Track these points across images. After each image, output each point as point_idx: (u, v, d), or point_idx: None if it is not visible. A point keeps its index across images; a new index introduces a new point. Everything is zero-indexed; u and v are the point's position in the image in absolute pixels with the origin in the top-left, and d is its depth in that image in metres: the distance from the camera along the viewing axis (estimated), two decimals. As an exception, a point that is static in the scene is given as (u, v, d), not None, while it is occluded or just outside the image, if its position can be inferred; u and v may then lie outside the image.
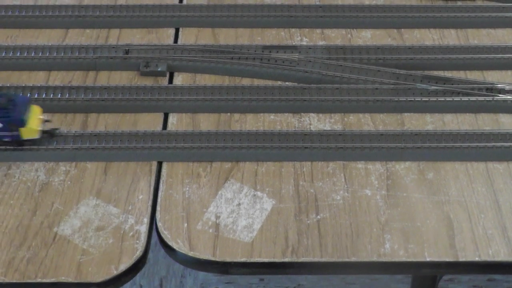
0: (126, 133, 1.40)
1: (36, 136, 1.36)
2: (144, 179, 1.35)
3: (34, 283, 1.20)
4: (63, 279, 1.20)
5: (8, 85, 1.49)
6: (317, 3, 1.72)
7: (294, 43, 1.62)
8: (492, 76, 1.55)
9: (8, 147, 1.37)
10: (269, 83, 1.53)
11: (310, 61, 1.55)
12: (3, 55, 1.56)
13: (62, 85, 1.49)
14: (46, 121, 1.38)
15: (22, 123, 1.33)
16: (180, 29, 1.66)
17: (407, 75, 1.52)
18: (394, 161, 1.38)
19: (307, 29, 1.66)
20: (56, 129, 1.40)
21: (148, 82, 1.53)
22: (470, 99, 1.48)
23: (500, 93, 1.49)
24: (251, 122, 1.45)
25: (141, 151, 1.38)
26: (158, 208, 1.31)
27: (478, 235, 1.27)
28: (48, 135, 1.38)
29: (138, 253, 1.24)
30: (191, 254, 1.24)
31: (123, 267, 1.22)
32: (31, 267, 1.22)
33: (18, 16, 1.66)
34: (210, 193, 1.33)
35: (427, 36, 1.65)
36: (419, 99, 1.47)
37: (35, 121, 1.35)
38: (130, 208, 1.30)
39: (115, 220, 1.28)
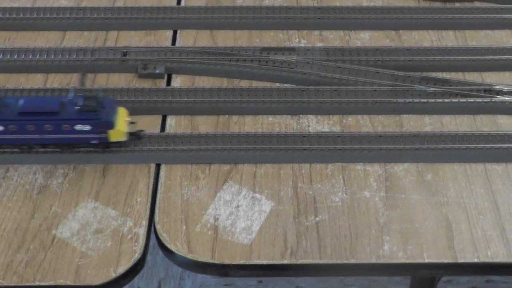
0: (125, 136, 1.40)
1: (123, 138, 1.35)
2: (143, 181, 1.35)
3: (33, 286, 1.20)
4: (61, 282, 1.20)
5: (6, 87, 1.49)
6: (315, 5, 1.72)
7: (292, 45, 1.62)
8: (490, 78, 1.55)
9: (93, 149, 1.36)
10: (268, 85, 1.53)
11: (308, 62, 1.55)
12: (0, 57, 1.55)
13: (60, 87, 1.49)
14: (131, 123, 1.38)
15: (111, 125, 1.33)
16: (178, 31, 1.66)
17: (405, 76, 1.52)
18: (393, 162, 1.38)
19: (305, 31, 1.66)
20: (142, 130, 1.39)
21: (146, 84, 1.53)
22: (469, 101, 1.48)
23: (498, 95, 1.49)
24: (249, 124, 1.45)
25: (139, 153, 1.38)
26: (156, 210, 1.30)
27: (477, 236, 1.27)
28: (135, 137, 1.38)
29: (137, 255, 1.24)
30: (189, 256, 1.24)
31: (121, 269, 1.22)
32: (30, 270, 1.21)
33: (16, 18, 1.65)
34: (209, 195, 1.33)
35: (425, 38, 1.65)
36: (418, 101, 1.47)
37: (122, 123, 1.35)
38: (128, 210, 1.30)
39: (113, 223, 1.28)
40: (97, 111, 1.32)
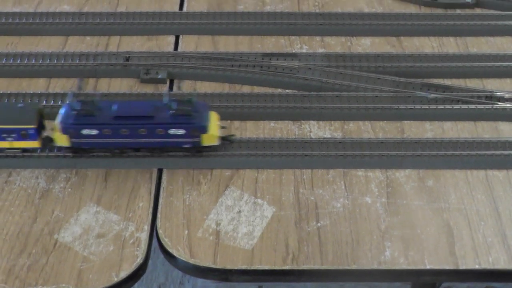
0: (127, 140, 1.40)
1: (215, 142, 1.35)
2: (145, 186, 1.35)
3: (35, 290, 1.20)
4: (63, 286, 1.20)
5: (9, 92, 1.49)
6: (317, 11, 1.73)
7: (294, 51, 1.63)
8: (491, 84, 1.55)
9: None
10: (269, 90, 1.53)
11: (310, 68, 1.55)
12: (3, 62, 1.56)
13: (62, 92, 1.50)
14: (222, 127, 1.38)
15: (204, 129, 1.33)
16: (180, 37, 1.67)
17: (406, 82, 1.53)
18: (394, 168, 1.38)
19: (307, 37, 1.66)
20: (233, 135, 1.40)
21: (148, 89, 1.53)
22: (470, 107, 1.48)
23: (499, 101, 1.49)
24: (251, 130, 1.46)
25: (141, 158, 1.38)
26: (158, 215, 1.31)
27: (478, 242, 1.27)
28: (227, 141, 1.38)
29: (139, 260, 1.24)
30: (191, 261, 1.24)
31: (123, 274, 1.22)
32: (32, 274, 1.22)
33: (18, 23, 1.66)
34: (211, 201, 1.33)
35: (426, 44, 1.65)
36: (419, 107, 1.48)
37: (214, 128, 1.35)
38: (130, 215, 1.30)
39: (115, 227, 1.28)
40: (191, 115, 1.32)
